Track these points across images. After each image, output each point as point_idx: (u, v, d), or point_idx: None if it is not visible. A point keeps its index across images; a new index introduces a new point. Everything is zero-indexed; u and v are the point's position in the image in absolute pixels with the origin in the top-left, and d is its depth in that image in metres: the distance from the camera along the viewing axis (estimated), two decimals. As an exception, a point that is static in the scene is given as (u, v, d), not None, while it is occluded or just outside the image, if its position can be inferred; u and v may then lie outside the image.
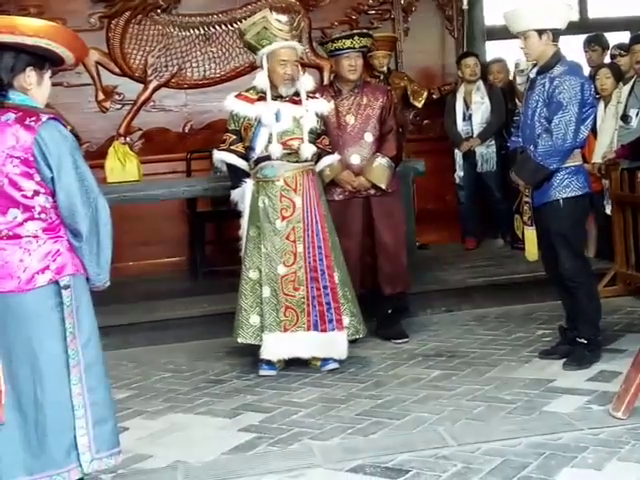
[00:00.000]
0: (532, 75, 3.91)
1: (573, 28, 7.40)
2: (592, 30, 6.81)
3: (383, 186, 4.51)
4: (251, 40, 4.05)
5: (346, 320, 4.11)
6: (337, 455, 3.05)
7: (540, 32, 3.76)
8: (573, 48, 6.75)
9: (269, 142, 4.01)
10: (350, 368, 4.15)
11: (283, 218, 4.04)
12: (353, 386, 3.86)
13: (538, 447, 2.98)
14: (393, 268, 4.60)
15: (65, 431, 2.43)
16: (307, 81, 4.12)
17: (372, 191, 4.53)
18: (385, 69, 6.29)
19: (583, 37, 6.61)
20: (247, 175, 4.14)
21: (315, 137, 4.16)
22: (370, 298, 4.66)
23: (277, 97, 4.07)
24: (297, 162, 4.07)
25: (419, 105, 6.49)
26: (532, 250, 3.98)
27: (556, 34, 3.82)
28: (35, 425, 2.41)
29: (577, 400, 3.44)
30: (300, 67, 4.15)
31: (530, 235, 3.97)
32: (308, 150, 4.05)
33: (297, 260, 4.04)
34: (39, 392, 2.41)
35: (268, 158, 4.04)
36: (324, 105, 4.22)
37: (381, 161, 4.50)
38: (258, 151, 4.06)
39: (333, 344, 4.05)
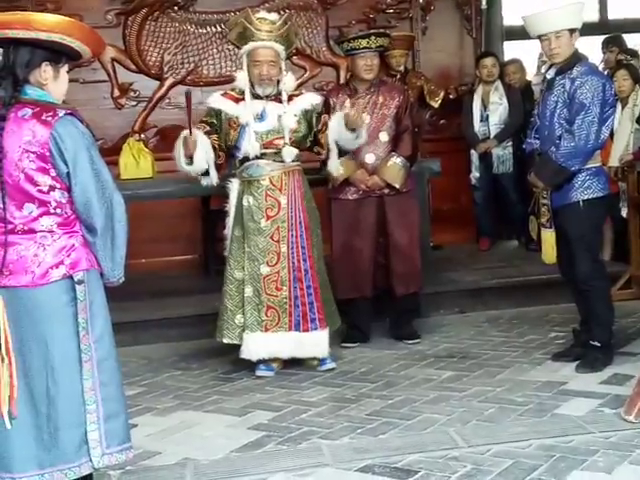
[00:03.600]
0: (549, 76, 3.88)
1: (592, 29, 7.40)
2: (611, 31, 6.78)
3: (397, 186, 4.50)
4: (234, 41, 4.08)
5: None
6: (346, 455, 3.05)
7: (572, 31, 3.76)
8: (592, 49, 6.72)
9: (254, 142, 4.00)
10: (361, 368, 4.16)
11: (268, 217, 4.03)
12: (364, 386, 3.86)
13: (548, 449, 2.97)
14: (406, 268, 4.58)
15: (76, 426, 2.43)
16: (289, 81, 4.10)
17: (386, 190, 4.53)
18: (402, 68, 6.26)
19: (602, 38, 6.59)
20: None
21: (302, 137, 4.11)
22: (383, 298, 4.65)
23: (264, 96, 4.06)
24: (283, 162, 4.05)
25: (435, 105, 6.47)
26: (550, 252, 3.93)
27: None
28: (47, 419, 2.41)
29: (589, 403, 3.42)
30: (282, 67, 4.09)
31: (549, 237, 3.92)
32: (288, 154, 4.03)
33: (280, 260, 4.03)
34: (51, 386, 2.41)
35: (254, 158, 4.03)
36: (310, 97, 4.17)
37: (396, 160, 4.49)
38: (243, 150, 4.04)
39: (316, 343, 4.04)
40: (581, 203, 3.77)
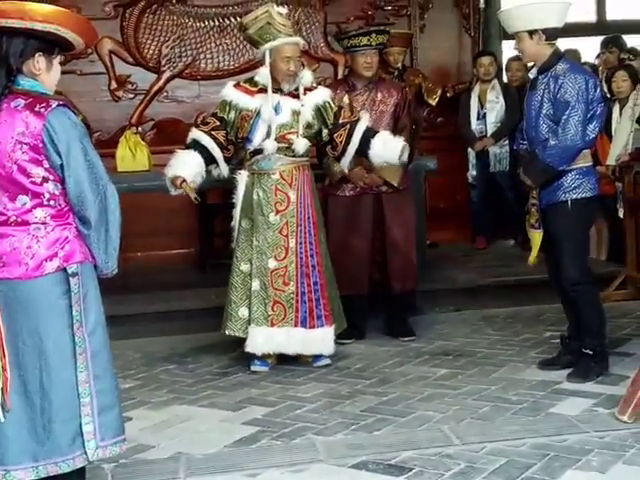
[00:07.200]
0: (532, 75, 3.84)
1: (591, 30, 7.40)
2: (610, 32, 6.78)
3: (395, 184, 4.48)
4: (254, 35, 4.02)
5: None
6: (340, 451, 3.04)
7: (531, 33, 3.66)
8: (590, 50, 6.73)
9: (267, 135, 3.99)
10: (356, 364, 4.15)
11: (277, 212, 4.02)
12: (359, 382, 3.85)
13: (542, 448, 2.96)
14: (403, 265, 4.58)
15: (71, 418, 2.42)
16: (306, 76, 4.09)
17: (383, 188, 4.51)
18: (400, 66, 6.25)
19: (600, 39, 6.59)
20: (214, 162, 4.06)
21: (314, 133, 4.12)
22: (378, 295, 4.64)
23: (277, 90, 4.05)
24: (294, 156, 4.05)
25: (433, 103, 6.47)
26: (534, 254, 3.84)
27: (551, 33, 3.69)
28: (41, 412, 2.40)
29: (583, 402, 3.42)
30: (301, 61, 4.11)
31: (537, 238, 3.82)
32: (301, 145, 4.03)
33: (288, 255, 4.02)
34: (45, 379, 2.40)
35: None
36: (323, 93, 4.16)
37: (394, 159, 4.46)
38: (256, 143, 4.04)
39: (322, 340, 4.03)
40: (569, 203, 3.68)
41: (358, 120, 4.17)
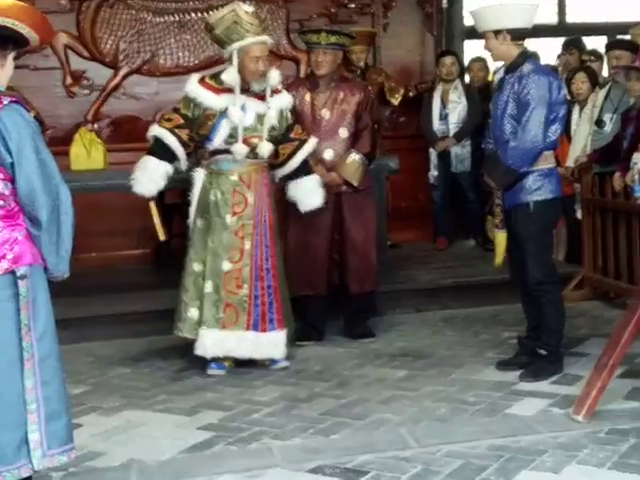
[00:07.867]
0: (499, 76, 3.88)
1: (551, 31, 7.48)
2: (570, 34, 6.85)
3: (355, 183, 4.46)
4: (220, 35, 3.94)
5: None
6: (297, 455, 3.02)
7: (496, 33, 3.70)
8: (550, 51, 6.79)
9: (230, 137, 3.94)
10: (315, 367, 4.12)
11: (234, 214, 3.98)
12: (317, 385, 3.83)
13: (498, 450, 2.98)
14: (362, 266, 4.55)
15: (16, 426, 2.37)
16: (274, 76, 4.04)
17: (343, 187, 4.49)
18: (362, 64, 6.25)
19: (561, 40, 6.65)
20: (175, 159, 4.01)
21: (276, 135, 4.09)
22: (337, 296, 4.62)
23: (244, 91, 3.98)
24: (254, 158, 4.01)
25: (395, 102, 6.47)
26: (500, 253, 3.92)
27: (517, 34, 3.71)
28: (-15, 420, 2.34)
29: (539, 403, 3.44)
30: (269, 61, 4.08)
31: (500, 238, 3.89)
32: (266, 149, 4.00)
33: (243, 257, 3.97)
34: (-10, 386, 2.33)
35: (225, 151, 3.98)
36: (287, 99, 4.15)
37: (355, 157, 4.45)
38: (217, 143, 3.98)
39: (273, 344, 4.00)
40: (531, 204, 3.70)
41: (306, 140, 4.17)
